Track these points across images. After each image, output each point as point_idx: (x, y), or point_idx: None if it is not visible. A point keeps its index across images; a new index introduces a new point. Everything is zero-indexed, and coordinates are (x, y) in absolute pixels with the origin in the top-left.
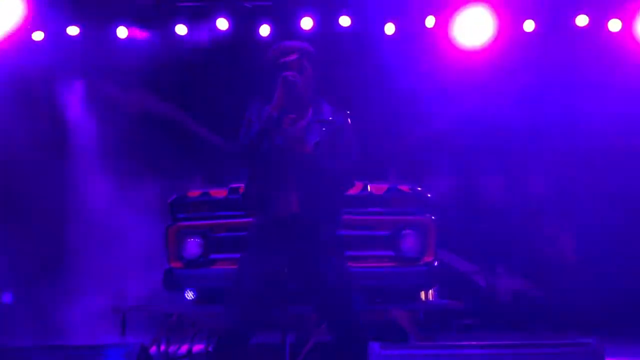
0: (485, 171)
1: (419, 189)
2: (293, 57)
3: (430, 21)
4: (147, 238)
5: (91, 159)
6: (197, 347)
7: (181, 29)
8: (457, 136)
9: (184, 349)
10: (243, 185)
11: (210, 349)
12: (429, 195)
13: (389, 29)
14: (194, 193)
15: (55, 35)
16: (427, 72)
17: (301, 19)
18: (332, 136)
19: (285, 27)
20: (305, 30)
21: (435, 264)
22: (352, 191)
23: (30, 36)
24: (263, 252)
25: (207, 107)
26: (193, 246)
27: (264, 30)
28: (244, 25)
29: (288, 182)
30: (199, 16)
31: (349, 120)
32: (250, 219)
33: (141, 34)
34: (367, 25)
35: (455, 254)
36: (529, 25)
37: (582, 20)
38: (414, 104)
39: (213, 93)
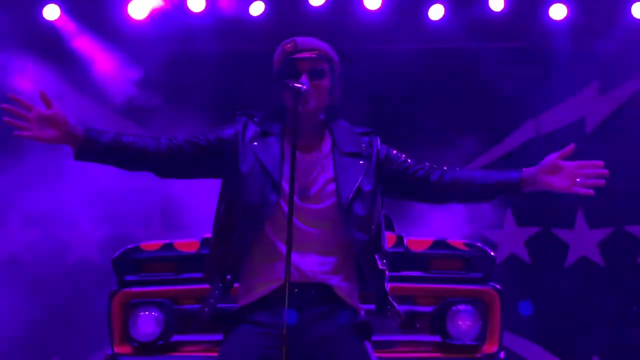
0: None
1: (479, 244)
2: (309, 55)
3: None
4: None
5: None
6: None
7: None
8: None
9: None
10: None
11: None
12: (492, 254)
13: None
14: (151, 245)
15: None
16: None
17: None
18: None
19: None
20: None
21: (502, 356)
22: None
23: None
24: (254, 338)
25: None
26: (148, 323)
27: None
28: None
29: (298, 242)
30: None
31: (382, 145)
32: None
33: None
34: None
35: (530, 341)
36: None
37: None
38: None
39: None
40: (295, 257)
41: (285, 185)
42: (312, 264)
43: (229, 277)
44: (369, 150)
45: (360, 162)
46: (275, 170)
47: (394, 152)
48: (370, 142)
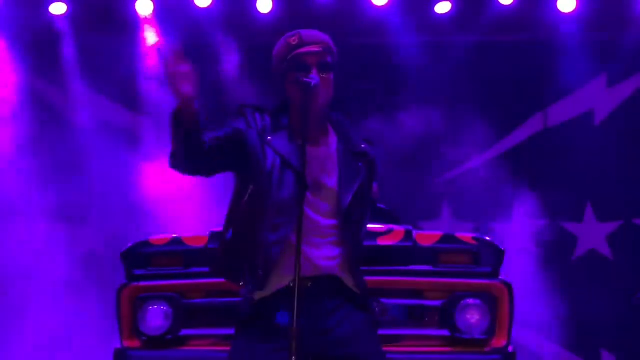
0: None
1: (487, 238)
2: (315, 48)
3: None
4: None
5: None
6: None
7: None
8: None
9: None
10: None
11: None
12: (501, 248)
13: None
14: (160, 239)
15: None
16: None
17: None
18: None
19: None
20: None
21: (510, 349)
22: (390, 240)
23: None
24: (265, 338)
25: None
26: (157, 317)
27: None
28: None
29: (312, 236)
30: None
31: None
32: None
33: None
34: None
35: (538, 334)
36: None
37: None
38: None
39: None
40: (309, 251)
41: (309, 180)
42: (324, 257)
43: (261, 272)
44: (368, 155)
45: (360, 163)
46: (299, 165)
47: (373, 185)
48: (371, 150)
